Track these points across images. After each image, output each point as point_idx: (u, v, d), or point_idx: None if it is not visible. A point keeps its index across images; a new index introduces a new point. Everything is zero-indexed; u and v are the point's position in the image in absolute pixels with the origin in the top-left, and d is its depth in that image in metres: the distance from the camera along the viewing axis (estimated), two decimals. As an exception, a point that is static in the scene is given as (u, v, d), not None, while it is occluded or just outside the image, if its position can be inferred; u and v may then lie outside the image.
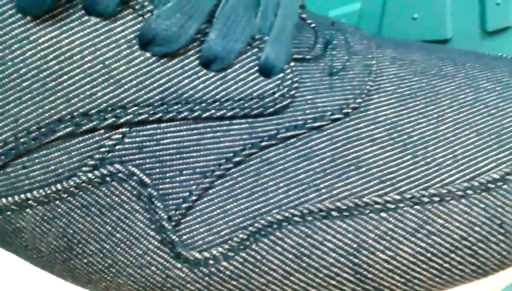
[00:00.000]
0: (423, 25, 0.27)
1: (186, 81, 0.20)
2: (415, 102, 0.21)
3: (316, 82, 0.21)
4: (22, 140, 0.20)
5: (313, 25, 0.23)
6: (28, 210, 0.20)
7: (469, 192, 0.20)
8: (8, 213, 0.20)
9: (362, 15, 0.28)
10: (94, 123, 0.20)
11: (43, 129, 0.20)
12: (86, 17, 0.19)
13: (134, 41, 0.19)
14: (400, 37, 0.28)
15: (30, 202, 0.20)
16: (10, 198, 0.20)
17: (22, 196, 0.20)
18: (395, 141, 0.21)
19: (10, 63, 0.19)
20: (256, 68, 0.20)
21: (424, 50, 0.23)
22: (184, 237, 0.20)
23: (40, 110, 0.19)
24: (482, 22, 0.27)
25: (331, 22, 0.24)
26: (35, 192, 0.20)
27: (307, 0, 0.28)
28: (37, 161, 0.20)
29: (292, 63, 0.21)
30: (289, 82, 0.21)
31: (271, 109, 0.20)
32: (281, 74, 0.21)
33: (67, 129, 0.20)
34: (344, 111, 0.21)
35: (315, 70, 0.21)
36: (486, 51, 0.27)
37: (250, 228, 0.20)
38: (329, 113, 0.21)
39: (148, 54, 0.19)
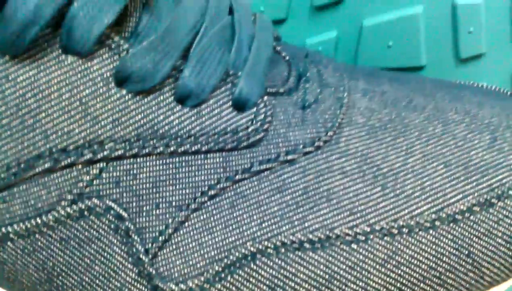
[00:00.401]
0: (398, 52, 0.28)
1: (162, 117, 0.20)
2: (384, 134, 0.22)
3: (289, 116, 0.21)
4: (2, 175, 0.20)
5: (287, 57, 0.23)
6: (9, 243, 0.21)
7: (437, 223, 0.21)
8: (-10, 246, 0.21)
9: (338, 43, 0.28)
10: (72, 159, 0.20)
11: (22, 165, 0.20)
12: (63, 56, 0.19)
13: (110, 79, 0.20)
14: (375, 65, 0.28)
15: (11, 235, 0.20)
16: (-9, 232, 0.21)
17: (3, 229, 0.20)
18: (365, 173, 0.21)
19: (-11, 101, 0.19)
20: (230, 103, 0.21)
21: (396, 81, 0.24)
22: (161, 269, 0.20)
23: (20, 146, 0.20)
24: (455, 50, 0.28)
25: (306, 53, 0.24)
26: (15, 226, 0.20)
27: (284, 28, 0.29)
28: (17, 195, 0.20)
29: (266, 97, 0.21)
30: (262, 116, 0.21)
31: (245, 143, 0.21)
32: (255, 109, 0.21)
33: (46, 165, 0.20)
34: (316, 144, 0.21)
35: (288, 104, 0.22)
36: (460, 77, 0.27)
37: (225, 260, 0.20)
38: (301, 146, 0.21)
39: (124, 92, 0.20)
